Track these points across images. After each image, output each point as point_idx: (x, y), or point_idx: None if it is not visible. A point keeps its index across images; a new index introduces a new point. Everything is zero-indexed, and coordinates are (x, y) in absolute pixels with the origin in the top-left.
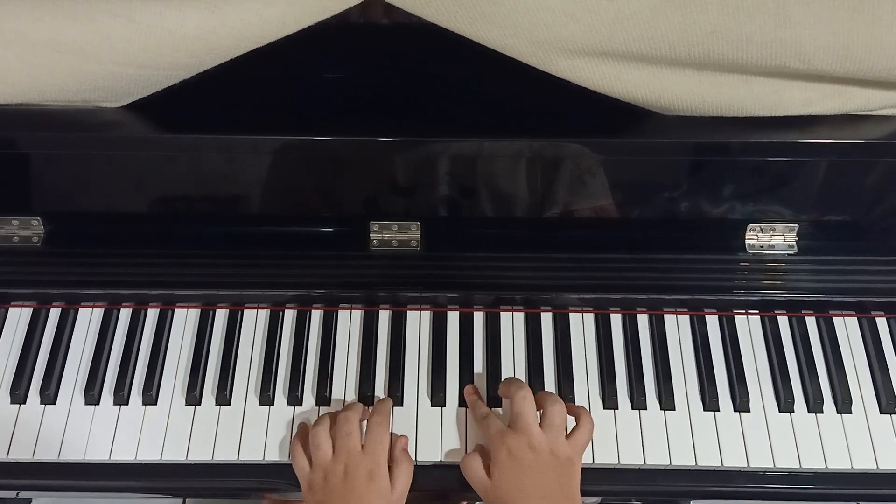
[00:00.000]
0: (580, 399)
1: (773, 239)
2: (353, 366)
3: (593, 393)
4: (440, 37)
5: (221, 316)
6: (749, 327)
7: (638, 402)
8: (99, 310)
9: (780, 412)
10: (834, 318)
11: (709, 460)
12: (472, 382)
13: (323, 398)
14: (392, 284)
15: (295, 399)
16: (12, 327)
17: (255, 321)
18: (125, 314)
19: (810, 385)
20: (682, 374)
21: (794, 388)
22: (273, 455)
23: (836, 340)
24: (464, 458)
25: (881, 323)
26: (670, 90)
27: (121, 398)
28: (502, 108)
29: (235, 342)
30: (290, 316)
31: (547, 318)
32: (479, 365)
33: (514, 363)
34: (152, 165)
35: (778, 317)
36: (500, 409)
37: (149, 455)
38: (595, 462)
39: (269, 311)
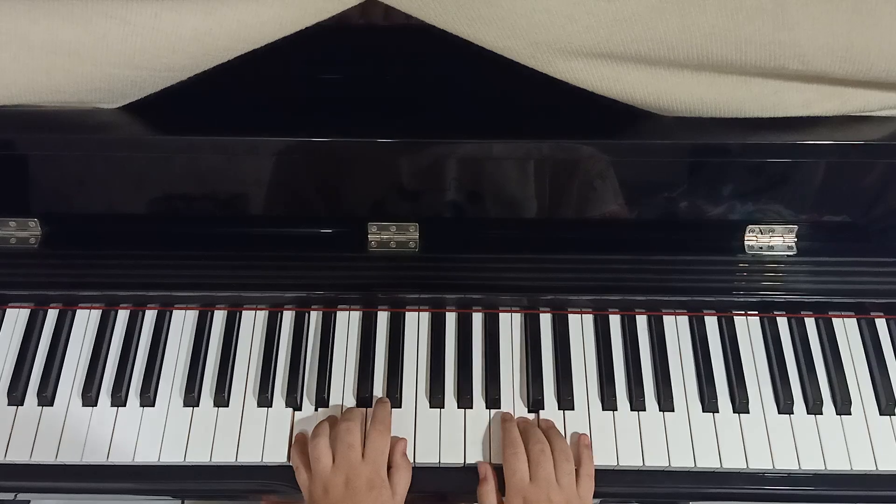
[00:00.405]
0: (579, 400)
1: (772, 240)
2: (352, 367)
3: (592, 394)
4: (439, 38)
5: (219, 317)
6: (748, 328)
7: (637, 404)
8: (97, 311)
9: (779, 413)
10: (833, 319)
11: (708, 462)
12: (471, 383)
13: (321, 400)
14: (390, 285)
15: (293, 401)
16: (10, 329)
17: (253, 322)
18: (123, 315)
19: (809, 386)
20: (681, 376)
21: (794, 389)
22: (271, 457)
23: (835, 342)
24: (480, 487)
25: (881, 324)
26: (669, 91)
27: (118, 400)
28: (500, 110)
29: (234, 344)
30: (288, 317)
31: (546, 320)
32: (477, 366)
33: (512, 365)
34: (150, 167)
35: (777, 318)
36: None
37: (147, 457)
38: (594, 463)
39: (267, 312)
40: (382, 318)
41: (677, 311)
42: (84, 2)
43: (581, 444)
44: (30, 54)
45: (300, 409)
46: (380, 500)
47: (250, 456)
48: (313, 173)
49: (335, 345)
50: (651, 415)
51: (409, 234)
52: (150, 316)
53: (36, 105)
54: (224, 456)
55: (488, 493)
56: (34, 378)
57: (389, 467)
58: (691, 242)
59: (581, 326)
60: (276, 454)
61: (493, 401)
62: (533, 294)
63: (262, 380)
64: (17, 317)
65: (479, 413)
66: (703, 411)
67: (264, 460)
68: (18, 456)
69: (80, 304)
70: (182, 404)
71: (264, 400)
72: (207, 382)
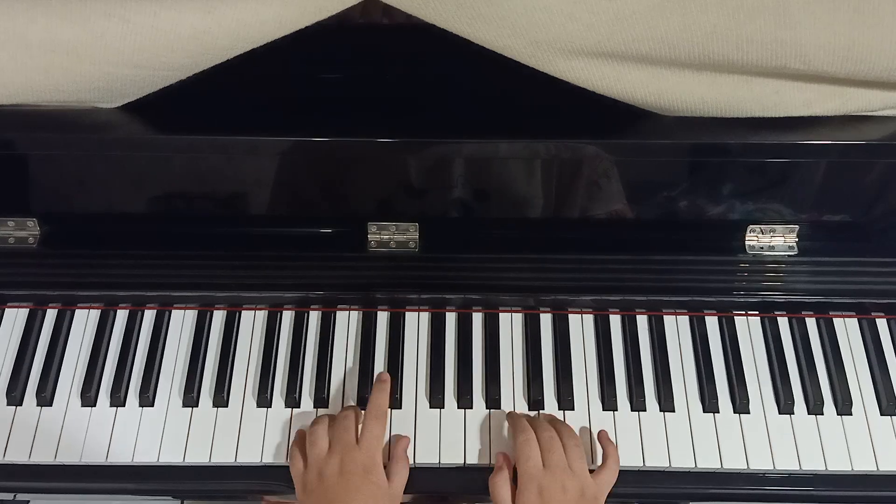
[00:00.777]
0: (579, 400)
1: (773, 240)
2: (352, 367)
3: (592, 394)
4: (439, 37)
5: (219, 317)
6: (749, 328)
7: (637, 404)
8: (95, 311)
9: (779, 414)
10: (834, 319)
11: (708, 462)
12: (471, 383)
13: (321, 400)
14: (390, 285)
15: (293, 401)
16: (8, 329)
17: (252, 323)
18: (122, 315)
19: (810, 386)
20: (681, 376)
21: (794, 389)
22: (271, 457)
23: (836, 342)
24: (493, 479)
25: (881, 324)
26: (670, 91)
27: (117, 400)
28: (501, 110)
29: (233, 344)
30: (287, 317)
31: (546, 320)
32: (477, 366)
33: (512, 365)
34: (149, 166)
35: (778, 318)
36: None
37: (146, 457)
38: (594, 463)
39: (266, 312)
40: (382, 318)
41: (678, 311)
42: (83, 0)
43: (604, 438)
44: (28, 53)
45: (300, 409)
46: (374, 485)
47: (250, 456)
48: (313, 173)
49: (335, 345)
50: (651, 415)
51: (409, 234)
52: (150, 316)
53: (34, 104)
54: (223, 456)
55: (502, 482)
56: (33, 378)
57: (389, 460)
58: (692, 242)
59: (581, 326)
60: (276, 454)
61: (493, 401)
62: (533, 294)
63: (262, 380)
64: (16, 317)
65: (479, 413)
66: (704, 411)
67: (264, 460)
68: (17, 456)
69: (79, 304)
70: (181, 404)
71: (264, 400)
72: (207, 382)
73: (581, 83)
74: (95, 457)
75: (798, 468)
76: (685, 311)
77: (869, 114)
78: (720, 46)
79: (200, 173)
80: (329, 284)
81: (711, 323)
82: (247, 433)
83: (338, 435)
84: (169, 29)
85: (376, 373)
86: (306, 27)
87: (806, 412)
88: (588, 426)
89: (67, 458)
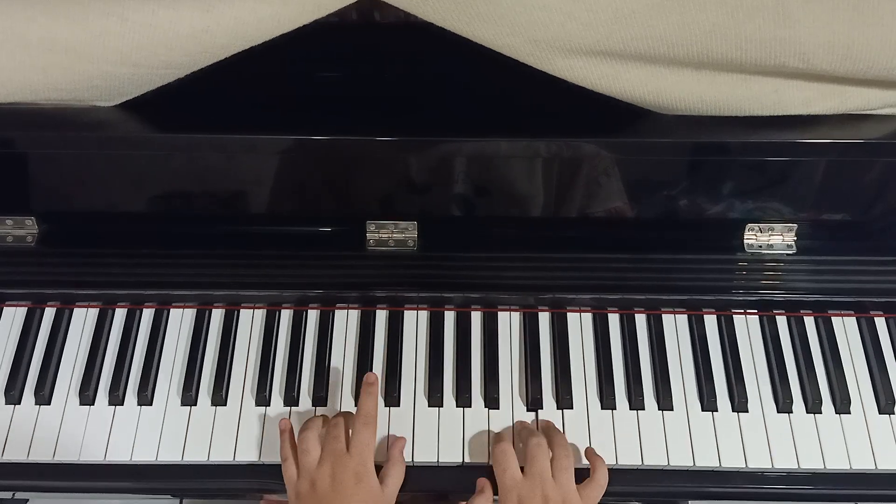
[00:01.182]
0: (578, 399)
1: (771, 239)
2: (350, 366)
3: (591, 393)
4: (437, 36)
5: (217, 316)
6: (748, 327)
7: (636, 403)
8: (94, 310)
9: (778, 412)
10: (833, 318)
11: (707, 461)
12: (470, 382)
13: (319, 398)
14: (389, 284)
15: (291, 399)
16: (7, 327)
17: (251, 321)
18: (120, 314)
19: (809, 385)
20: (680, 375)
21: (793, 388)
22: (269, 456)
23: (834, 340)
24: (476, 498)
25: (880, 323)
26: (669, 90)
27: (116, 398)
28: (499, 108)
29: (231, 342)
30: (286, 316)
31: (544, 318)
32: (476, 365)
33: (511, 363)
34: (147, 165)
35: (776, 317)
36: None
37: (144, 456)
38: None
39: (265, 311)
40: (381, 316)
41: (676, 309)
42: None
43: (591, 453)
44: (26, 52)
45: (298, 407)
46: (366, 492)
47: (248, 455)
48: (311, 172)
49: (333, 344)
50: (650, 414)
51: (408, 233)
52: (148, 314)
53: (33, 103)
54: (222, 455)
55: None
56: (31, 377)
57: (385, 461)
58: (690, 241)
59: (580, 325)
60: (275, 453)
61: (491, 400)
62: (532, 293)
63: (260, 379)
64: (14, 315)
65: (478, 412)
66: (703, 410)
67: (262, 459)
68: (16, 455)
69: (77, 303)
70: (180, 403)
71: (262, 399)
72: (205, 381)
73: (580, 82)
74: (94, 455)
75: (797, 467)
76: (684, 309)
77: (868, 112)
78: (719, 45)
79: (199, 172)
80: (328, 283)
81: (710, 322)
82: (245, 432)
83: (328, 443)
84: (167, 27)
85: (375, 371)
86: (305, 25)
87: (804, 411)
88: (587, 425)
89: (66, 456)
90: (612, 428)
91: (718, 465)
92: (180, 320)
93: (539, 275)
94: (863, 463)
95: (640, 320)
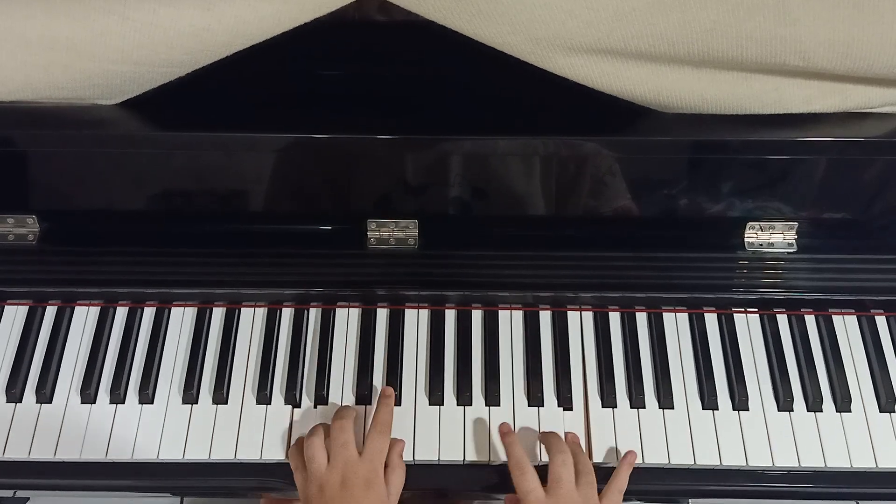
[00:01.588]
0: (578, 398)
1: (772, 237)
2: (351, 364)
3: (592, 392)
4: (439, 35)
5: (218, 314)
6: (748, 326)
7: (636, 401)
8: (95, 308)
9: (779, 411)
10: (833, 316)
11: (708, 459)
12: (470, 380)
13: (320, 397)
14: (390, 283)
15: (292, 398)
16: (8, 326)
17: (252, 320)
18: (121, 312)
19: (809, 383)
20: (680, 373)
21: (794, 386)
22: (270, 454)
23: (835, 339)
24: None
25: (881, 321)
26: (669, 88)
27: (117, 397)
28: (500, 107)
29: (232, 341)
30: (287, 314)
31: (545, 317)
32: (477, 364)
33: (512, 362)
34: (148, 163)
35: (777, 315)
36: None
37: (145, 454)
38: (593, 461)
39: (266, 309)
40: (382, 315)
41: (677, 308)
42: None
43: (625, 461)
44: (27, 50)
45: (299, 406)
46: (375, 499)
47: (249, 453)
48: (312, 170)
49: (334, 342)
50: (651, 412)
51: (409, 232)
52: (149, 313)
53: (34, 101)
54: (223, 453)
55: None
56: (33, 375)
57: (385, 467)
58: (691, 239)
59: (581, 324)
60: (275, 451)
61: (492, 398)
62: (532, 291)
63: (261, 377)
64: (16, 314)
65: (479, 410)
66: (703, 409)
67: (263, 457)
68: (17, 453)
69: (78, 301)
70: (181, 401)
71: (263, 397)
72: (206, 379)
73: (580, 80)
74: (95, 454)
75: (797, 465)
76: (684, 308)
77: (869, 111)
78: (720, 43)
79: (200, 170)
80: (328, 282)
81: (711, 320)
82: (246, 430)
83: (337, 449)
84: (168, 26)
85: (376, 370)
86: (305, 24)
87: (805, 409)
88: (588, 425)
89: (67, 455)
90: (613, 426)
91: (719, 463)
92: (181, 319)
93: (540, 273)
94: (863, 461)
95: (641, 319)
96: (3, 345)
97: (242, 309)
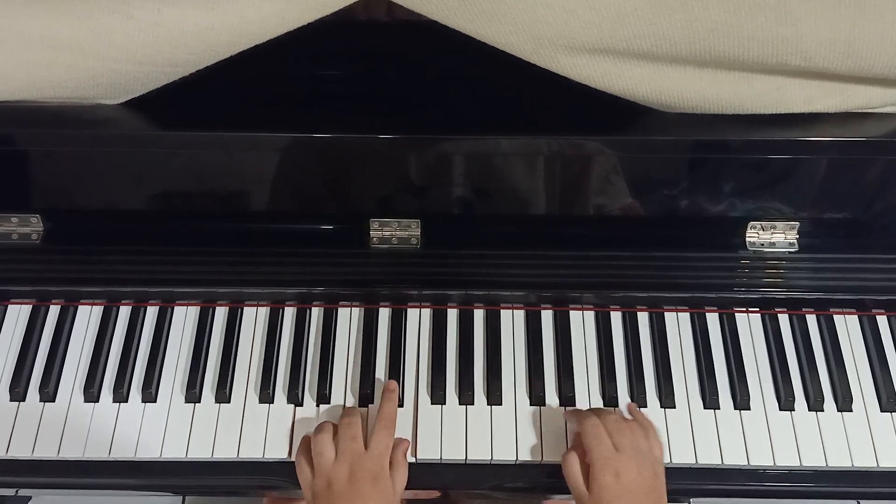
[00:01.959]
0: (580, 397)
1: (773, 237)
2: (353, 364)
3: (593, 391)
4: (441, 35)
5: (221, 313)
6: (749, 325)
7: (638, 400)
8: (98, 307)
9: (780, 410)
10: (834, 315)
11: (709, 458)
12: (472, 380)
13: (323, 396)
14: (392, 282)
15: (295, 397)
16: (11, 325)
17: (254, 319)
18: (125, 311)
19: (811, 383)
20: (682, 372)
21: (795, 385)
22: (273, 453)
23: (836, 338)
24: (566, 457)
25: (882, 321)
26: (671, 87)
27: (120, 396)
28: (503, 106)
29: (235, 340)
30: (289, 313)
31: (547, 316)
32: (479, 363)
33: (514, 361)
34: (151, 162)
35: (778, 314)
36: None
37: (148, 452)
38: None
39: (268, 308)
40: (384, 314)
41: (679, 307)
42: None
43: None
44: (30, 49)
45: (302, 405)
46: (382, 493)
47: (252, 452)
48: (315, 170)
49: (337, 341)
50: (652, 411)
51: (411, 231)
52: (152, 312)
53: (37, 101)
54: (225, 452)
55: (573, 461)
56: (36, 374)
57: (390, 465)
58: (692, 239)
59: (582, 322)
60: (278, 450)
61: (494, 397)
62: (534, 290)
63: (264, 376)
64: (19, 313)
65: (481, 409)
66: (705, 408)
67: (266, 456)
68: (20, 452)
69: (81, 300)
70: (184, 400)
71: (266, 396)
72: (209, 378)
73: (583, 80)
74: (98, 452)
75: (798, 464)
76: (686, 307)
77: (870, 111)
78: (722, 43)
79: (203, 170)
80: (331, 281)
81: (712, 319)
82: (249, 429)
83: (345, 443)
84: (172, 25)
85: (378, 369)
86: (308, 24)
87: (806, 409)
88: None
89: (70, 453)
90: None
91: (720, 462)
92: (184, 318)
93: (542, 272)
94: (864, 460)
95: (643, 318)
96: (7, 343)
97: (245, 308)
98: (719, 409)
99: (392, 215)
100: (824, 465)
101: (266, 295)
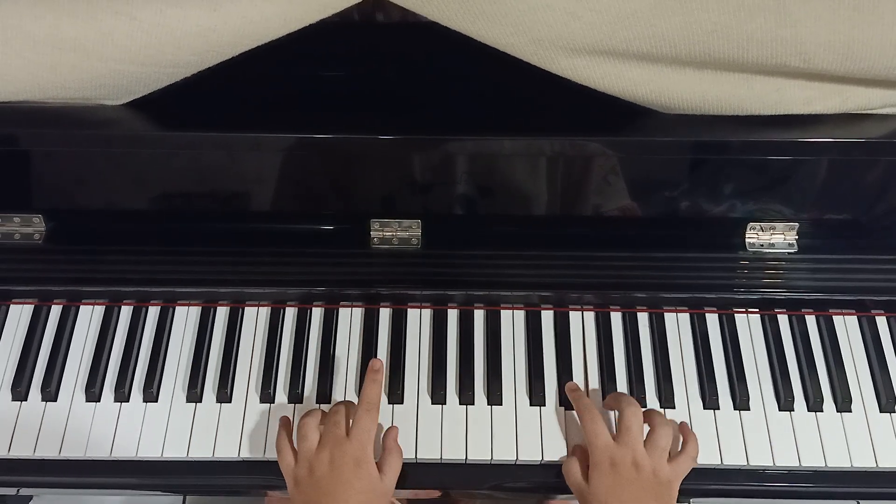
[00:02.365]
0: None
1: (773, 237)
2: (354, 364)
3: (593, 391)
4: (442, 36)
5: (222, 313)
6: (749, 326)
7: (638, 400)
8: (100, 307)
9: (779, 410)
10: (834, 316)
11: (708, 458)
12: (473, 380)
13: (324, 396)
14: (393, 282)
15: (296, 397)
16: (13, 325)
17: (255, 319)
18: (126, 311)
19: (810, 383)
20: (681, 373)
21: (794, 386)
22: (274, 452)
23: (835, 339)
24: (565, 461)
25: (881, 322)
26: (671, 89)
27: (122, 395)
28: (503, 107)
29: (236, 340)
30: (290, 314)
31: (547, 316)
32: (479, 363)
33: (514, 361)
34: (153, 163)
35: (778, 315)
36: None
37: (149, 452)
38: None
39: (269, 308)
40: (384, 314)
41: (678, 308)
42: None
43: (684, 427)
44: (34, 50)
45: (303, 404)
46: (366, 478)
47: (253, 451)
48: (316, 170)
49: (337, 341)
50: None
51: (412, 231)
52: (154, 312)
53: (40, 101)
54: (226, 451)
55: (572, 463)
56: (38, 374)
57: (382, 452)
58: (692, 239)
59: (582, 323)
60: None
61: (495, 397)
62: (534, 291)
63: (265, 376)
64: (21, 313)
65: (481, 409)
66: (704, 408)
67: (266, 456)
68: (22, 451)
69: (83, 300)
70: (185, 400)
71: (267, 396)
72: (210, 378)
73: (583, 81)
74: (99, 452)
75: (798, 465)
76: (686, 308)
77: (869, 112)
78: (721, 45)
79: (205, 170)
80: (332, 281)
81: (712, 320)
82: (250, 428)
83: (328, 429)
84: (175, 26)
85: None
86: (310, 25)
87: (806, 409)
88: None
89: (72, 452)
90: (614, 426)
91: (720, 462)
92: (185, 318)
93: (542, 273)
94: (864, 461)
95: (643, 318)
96: (9, 343)
97: (246, 308)
98: (719, 409)
99: (393, 216)
100: (824, 465)
101: (267, 295)
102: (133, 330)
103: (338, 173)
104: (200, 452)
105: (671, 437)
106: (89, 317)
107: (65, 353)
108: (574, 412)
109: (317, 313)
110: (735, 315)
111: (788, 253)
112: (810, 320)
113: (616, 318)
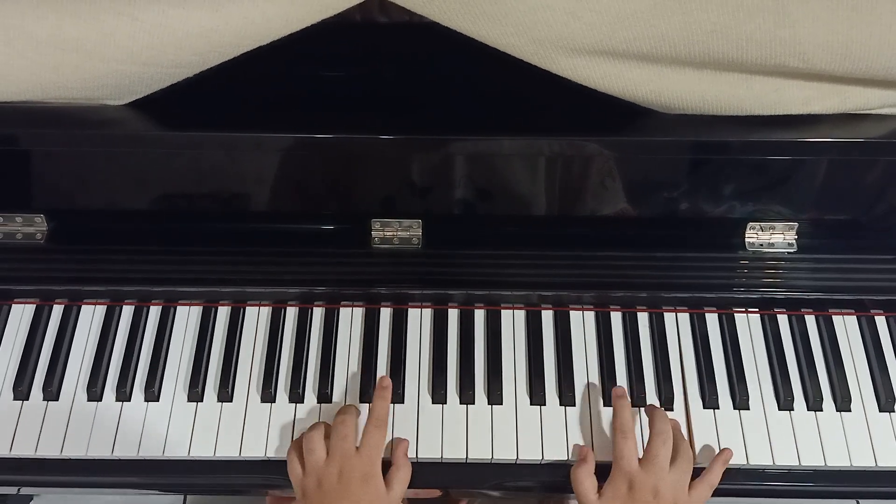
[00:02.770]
0: (580, 397)
1: (772, 237)
2: (355, 363)
3: (594, 391)
4: (443, 36)
5: (223, 313)
6: (749, 325)
7: (637, 400)
8: (102, 306)
9: (779, 410)
10: (833, 316)
11: (709, 458)
12: (473, 379)
13: (324, 395)
14: (393, 282)
15: (297, 396)
16: (15, 324)
17: (256, 318)
18: (128, 311)
19: (810, 383)
20: (681, 372)
21: (794, 386)
22: (275, 452)
23: (835, 339)
24: (575, 468)
25: (880, 321)
26: (671, 89)
27: (123, 395)
28: (504, 107)
29: (237, 339)
30: (291, 313)
31: (547, 316)
32: (479, 363)
33: (514, 361)
34: (155, 163)
35: (778, 315)
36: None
37: (151, 451)
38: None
39: (270, 308)
40: (385, 314)
41: (678, 307)
42: None
43: (720, 458)
44: (37, 50)
45: (303, 404)
46: (373, 493)
47: (254, 451)
48: (317, 170)
49: (338, 341)
50: None
51: (412, 231)
52: (155, 311)
53: (43, 101)
54: (228, 450)
55: (585, 474)
56: (39, 373)
57: (390, 466)
58: (692, 239)
59: (582, 323)
60: (280, 449)
61: (495, 397)
62: (535, 290)
63: (266, 375)
64: (23, 312)
65: (481, 409)
66: (704, 408)
67: (267, 455)
68: (23, 450)
69: (85, 300)
70: (186, 399)
71: (268, 395)
72: (211, 378)
73: (583, 81)
74: (101, 451)
75: (797, 464)
76: (685, 307)
77: (868, 112)
78: (720, 45)
79: (206, 170)
80: (333, 281)
81: (711, 320)
82: (251, 428)
83: (336, 442)
84: (177, 27)
85: (379, 368)
86: (311, 25)
87: (805, 409)
88: (589, 423)
89: (73, 451)
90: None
91: None
92: (187, 317)
93: (542, 272)
94: (863, 460)
95: (643, 318)
96: (11, 342)
97: (247, 308)
98: (719, 409)
99: (393, 215)
100: (823, 464)
101: (268, 295)
102: (134, 329)
103: (339, 173)
104: (201, 451)
105: (691, 466)
106: (91, 316)
107: (66, 352)
108: (575, 411)
109: (317, 313)
110: (735, 315)
111: (788, 253)
112: (810, 320)
113: (616, 318)
